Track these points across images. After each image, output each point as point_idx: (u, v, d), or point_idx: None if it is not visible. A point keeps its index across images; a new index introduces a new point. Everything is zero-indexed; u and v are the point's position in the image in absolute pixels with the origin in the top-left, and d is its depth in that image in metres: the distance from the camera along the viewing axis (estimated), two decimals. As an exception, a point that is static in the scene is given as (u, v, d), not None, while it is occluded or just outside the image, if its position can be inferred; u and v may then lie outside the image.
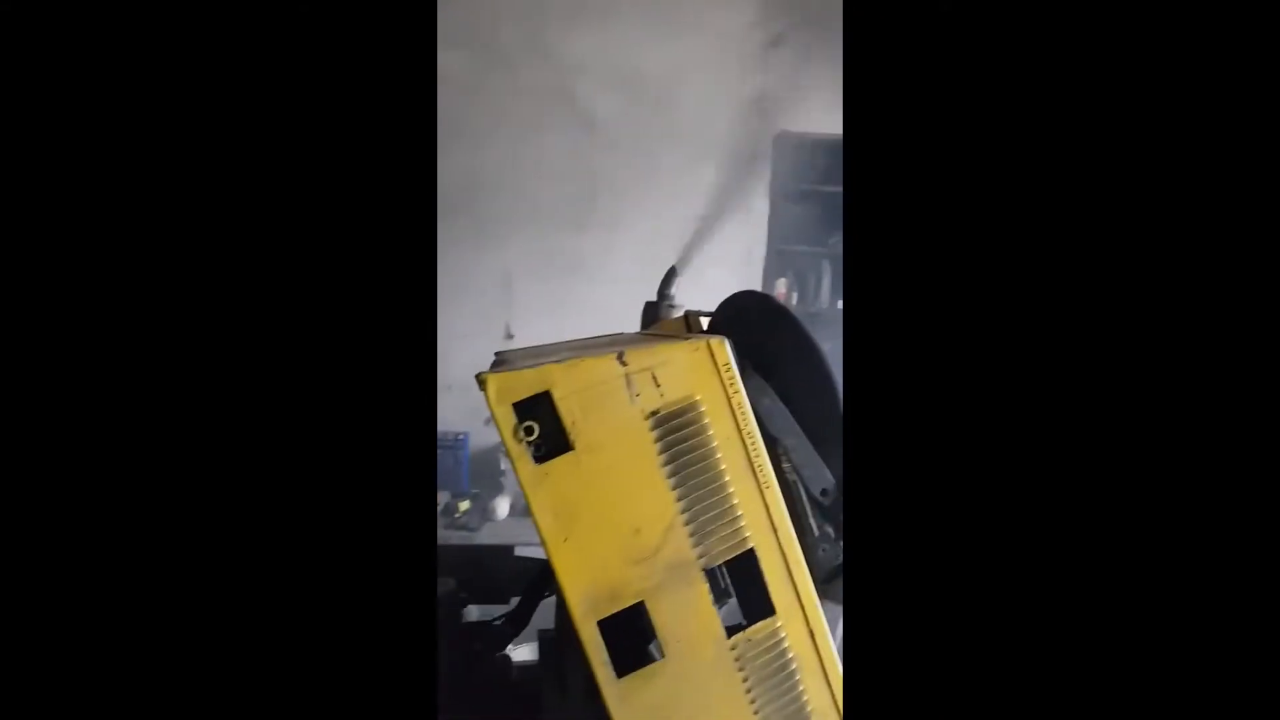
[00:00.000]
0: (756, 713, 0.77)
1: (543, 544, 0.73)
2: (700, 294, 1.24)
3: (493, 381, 0.71)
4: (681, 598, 0.75)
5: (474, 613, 1.16)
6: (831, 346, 0.82)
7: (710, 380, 0.76)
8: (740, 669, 0.77)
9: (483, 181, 3.02)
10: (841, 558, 0.83)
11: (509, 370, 0.73)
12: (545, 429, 0.72)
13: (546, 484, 0.72)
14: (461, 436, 2.71)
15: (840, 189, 3.14)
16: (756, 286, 3.18)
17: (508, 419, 0.71)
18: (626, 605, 0.74)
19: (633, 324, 1.38)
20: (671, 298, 1.32)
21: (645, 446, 0.74)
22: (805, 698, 0.78)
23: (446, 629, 1.05)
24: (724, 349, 0.76)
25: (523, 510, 2.62)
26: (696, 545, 0.76)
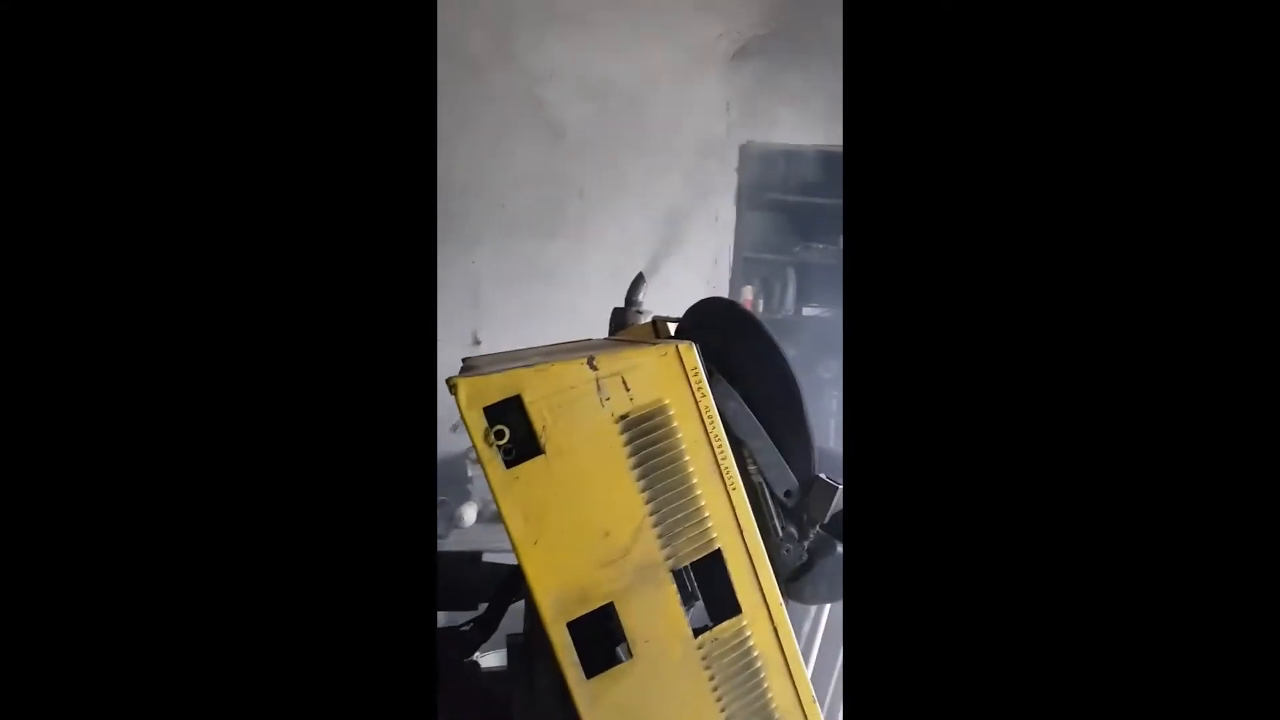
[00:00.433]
0: (723, 710, 0.79)
1: (513, 547, 0.74)
2: (668, 300, 1.26)
3: (463, 386, 0.72)
4: (650, 599, 0.77)
5: (441, 619, 1.15)
6: (796, 352, 0.85)
7: (679, 384, 0.78)
8: (707, 668, 0.78)
9: (451, 188, 3.01)
10: (806, 558, 0.85)
11: (479, 375, 0.73)
12: (515, 433, 0.73)
13: (516, 488, 0.73)
14: (428, 443, 2.69)
15: (806, 199, 3.21)
16: (723, 293, 3.23)
17: (478, 423, 0.72)
18: (596, 607, 0.75)
19: (601, 330, 1.40)
20: (639, 304, 1.34)
21: (615, 450, 0.76)
22: (770, 695, 0.80)
23: (414, 635, 1.05)
24: (692, 354, 0.78)
25: (490, 517, 2.61)
26: (665, 547, 0.77)
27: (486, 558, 1.31)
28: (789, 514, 0.86)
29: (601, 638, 0.76)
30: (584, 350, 0.85)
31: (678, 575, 0.78)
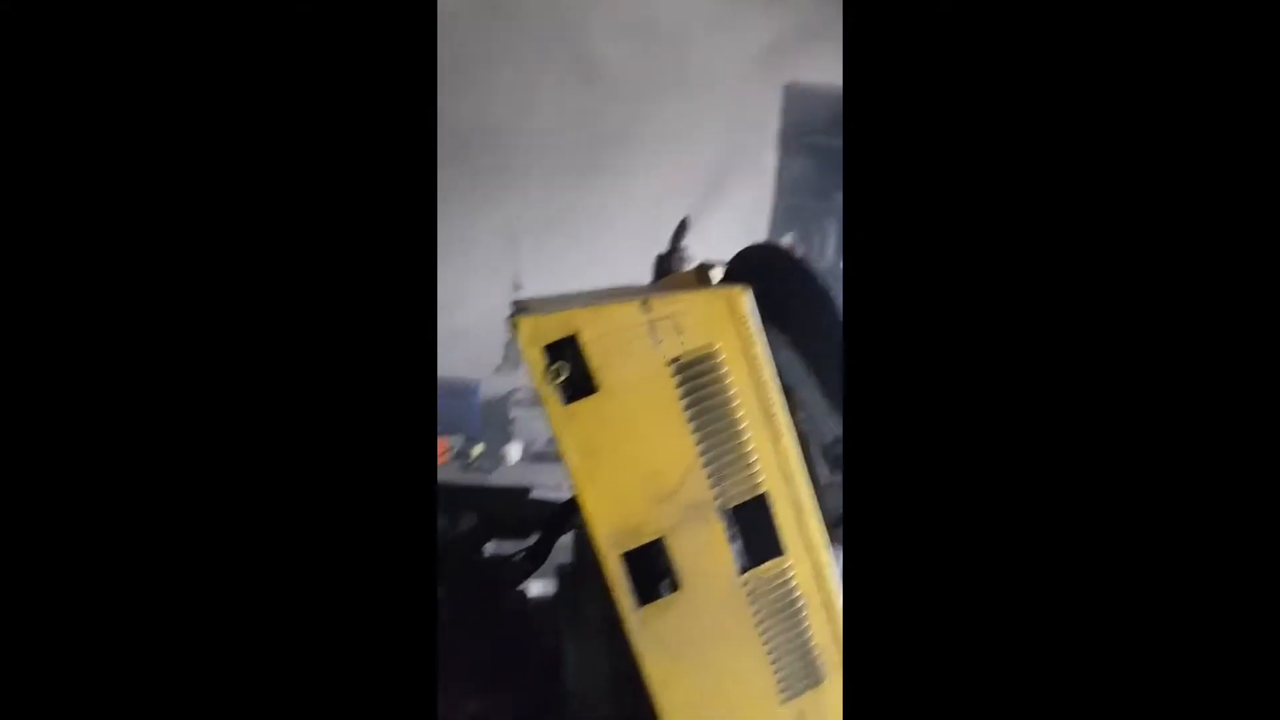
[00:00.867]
0: (765, 643, 0.82)
1: (570, 480, 0.77)
2: (707, 247, 1.25)
3: (525, 324, 0.74)
4: (698, 536, 0.79)
5: (491, 548, 1.21)
6: (837, 303, 0.85)
7: (730, 330, 0.78)
8: (751, 603, 0.82)
9: (487, 130, 2.98)
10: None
11: (538, 315, 0.75)
12: (573, 371, 0.75)
13: (574, 424, 0.75)
14: (473, 384, 2.76)
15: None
16: (764, 240, 3.17)
17: (538, 361, 0.74)
18: (647, 541, 0.78)
19: (641, 277, 1.40)
20: (683, 250, 1.33)
21: (666, 391, 0.77)
22: (810, 632, 0.83)
23: (468, 563, 1.10)
24: (745, 300, 0.79)
25: (533, 456, 2.68)
26: (714, 487, 0.79)
27: (533, 495, 1.36)
28: (835, 461, 0.87)
29: (652, 570, 0.79)
30: (637, 293, 0.86)
31: (726, 515, 0.80)
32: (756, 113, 3.11)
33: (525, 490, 1.35)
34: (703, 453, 0.79)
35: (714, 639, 0.81)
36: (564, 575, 1.12)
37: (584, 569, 1.12)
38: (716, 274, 1.05)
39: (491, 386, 2.91)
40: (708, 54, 3.05)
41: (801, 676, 0.83)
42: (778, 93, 3.11)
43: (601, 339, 0.75)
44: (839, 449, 0.86)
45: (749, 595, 0.81)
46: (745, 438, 0.80)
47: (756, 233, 3.21)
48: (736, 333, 0.79)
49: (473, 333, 3.11)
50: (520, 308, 0.95)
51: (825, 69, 3.05)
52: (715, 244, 1.18)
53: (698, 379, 0.78)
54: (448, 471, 2.49)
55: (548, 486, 1.37)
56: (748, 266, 0.95)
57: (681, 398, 0.78)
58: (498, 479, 2.39)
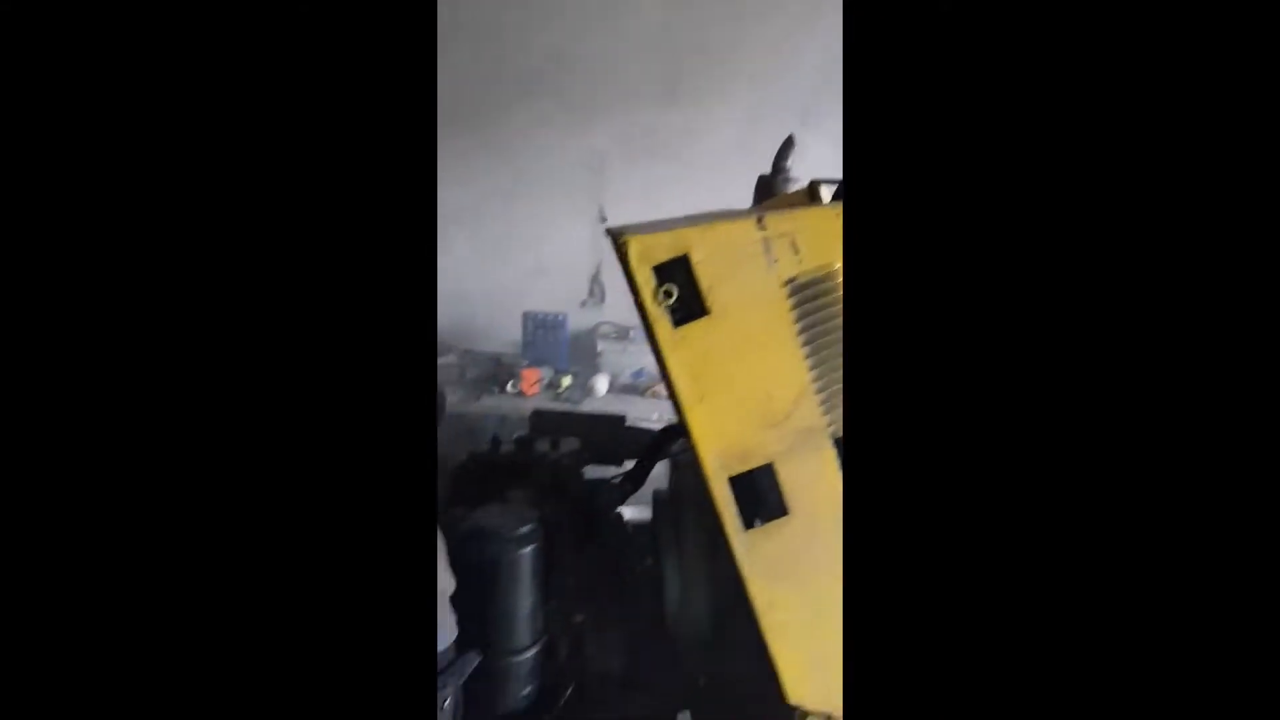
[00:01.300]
0: (874, 572, 0.81)
1: (678, 404, 0.76)
2: (807, 171, 1.18)
3: (634, 244, 0.72)
4: (809, 462, 0.78)
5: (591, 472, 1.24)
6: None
7: (849, 248, 0.74)
8: (860, 531, 0.80)
9: (561, 57, 2.90)
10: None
11: (648, 233, 0.73)
12: (683, 293, 0.73)
13: (683, 347, 0.74)
14: (561, 317, 2.80)
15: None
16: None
17: (647, 281, 0.72)
18: (756, 465, 0.77)
19: (733, 203, 1.34)
20: (788, 170, 1.26)
21: (781, 313, 0.74)
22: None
23: (569, 484, 1.13)
24: (866, 215, 0.73)
25: (620, 388, 2.71)
26: (826, 414, 0.77)
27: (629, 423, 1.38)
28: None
29: (759, 494, 0.78)
30: (745, 214, 0.82)
31: (838, 442, 0.78)
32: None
33: (621, 418, 1.37)
34: (816, 378, 0.76)
35: (821, 564, 0.80)
36: (659, 501, 1.13)
37: (679, 495, 1.13)
38: (828, 193, 0.99)
39: (578, 320, 2.94)
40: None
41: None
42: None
43: (713, 258, 0.72)
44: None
45: (859, 524, 0.80)
46: (860, 363, 0.76)
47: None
48: (855, 252, 0.74)
49: (558, 267, 3.13)
50: (619, 232, 0.93)
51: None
52: (814, 167, 1.11)
53: (814, 301, 0.75)
54: (539, 401, 2.56)
55: (636, 418, 1.39)
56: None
57: (796, 320, 0.74)
58: (586, 409, 2.44)
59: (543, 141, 3.01)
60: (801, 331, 0.75)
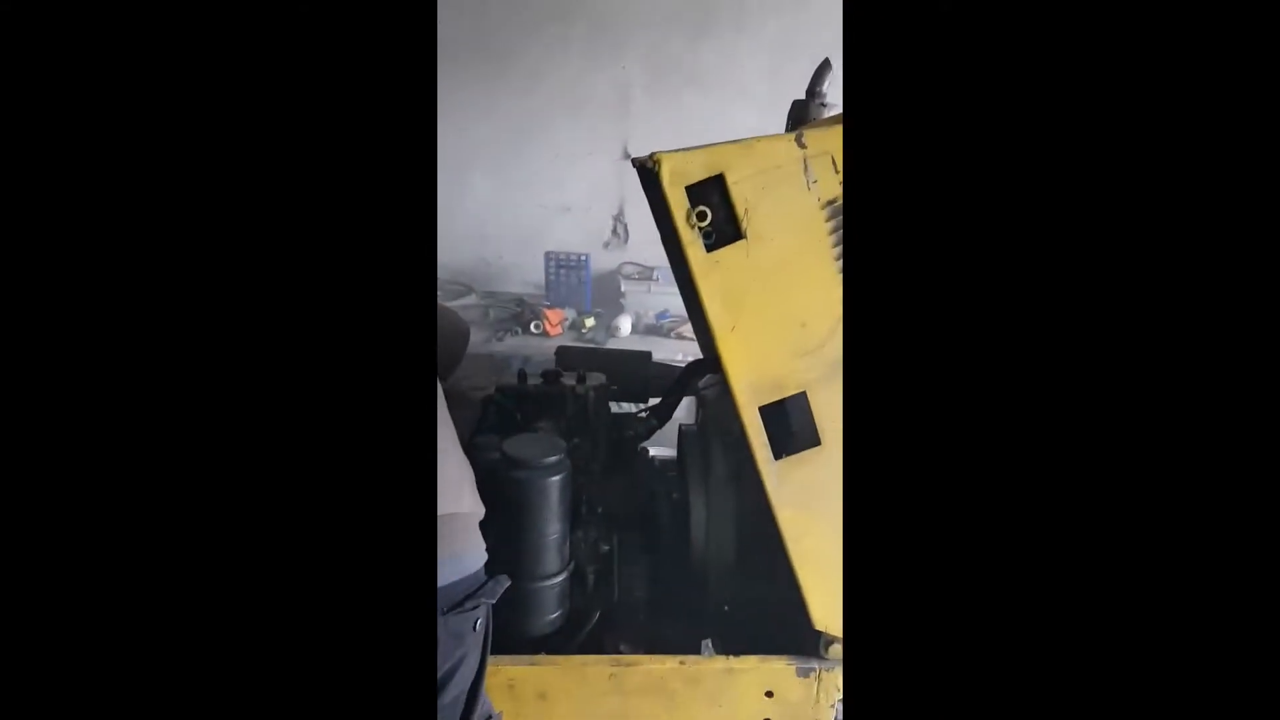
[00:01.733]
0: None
1: (709, 331, 0.75)
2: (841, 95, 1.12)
3: (667, 161, 0.69)
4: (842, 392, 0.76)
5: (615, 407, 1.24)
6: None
7: (892, 168, 0.70)
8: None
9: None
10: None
11: (681, 151, 0.70)
12: (717, 216, 0.70)
13: (716, 273, 0.72)
14: (583, 257, 2.76)
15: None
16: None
17: (681, 202, 0.70)
18: (788, 394, 0.76)
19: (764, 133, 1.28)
20: (823, 95, 1.20)
21: (819, 237, 0.72)
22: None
23: (597, 417, 1.13)
24: (913, 132, 0.69)
25: (645, 329, 2.70)
26: (862, 342, 0.75)
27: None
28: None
29: (791, 424, 0.77)
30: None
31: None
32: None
33: (647, 354, 1.36)
34: (852, 306, 0.74)
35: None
36: (686, 435, 1.13)
37: (705, 429, 1.13)
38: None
39: (601, 261, 2.90)
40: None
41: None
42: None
43: (750, 179, 0.69)
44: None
45: (891, 456, 0.78)
46: (899, 291, 0.73)
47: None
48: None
49: (581, 206, 3.08)
50: (649, 156, 0.89)
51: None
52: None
53: (852, 224, 0.71)
54: (563, 339, 2.56)
55: (661, 359, 1.38)
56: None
57: (835, 245, 0.72)
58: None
59: (566, 73, 2.92)
60: (839, 257, 0.72)
